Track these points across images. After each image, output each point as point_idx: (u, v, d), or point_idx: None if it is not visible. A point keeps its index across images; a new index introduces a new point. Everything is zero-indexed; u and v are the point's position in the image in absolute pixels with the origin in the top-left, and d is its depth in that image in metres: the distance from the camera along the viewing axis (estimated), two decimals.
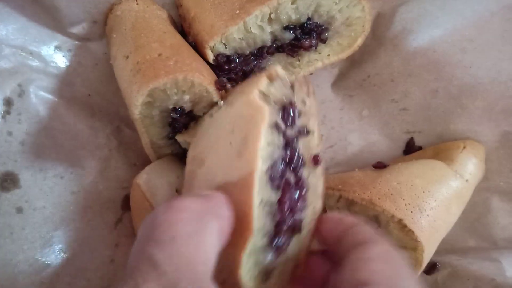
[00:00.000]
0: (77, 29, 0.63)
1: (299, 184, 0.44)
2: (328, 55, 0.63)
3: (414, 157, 0.68)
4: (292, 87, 0.47)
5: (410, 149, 0.70)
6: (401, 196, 0.55)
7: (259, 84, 0.43)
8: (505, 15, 0.59)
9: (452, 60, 0.64)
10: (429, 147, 0.69)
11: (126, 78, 0.53)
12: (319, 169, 0.45)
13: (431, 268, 0.66)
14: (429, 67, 0.65)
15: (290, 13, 0.58)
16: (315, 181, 0.45)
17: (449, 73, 0.64)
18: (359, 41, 0.64)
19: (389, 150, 0.71)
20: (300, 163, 0.45)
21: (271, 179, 0.41)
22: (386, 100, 0.70)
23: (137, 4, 0.61)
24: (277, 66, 0.45)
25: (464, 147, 0.64)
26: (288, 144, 0.44)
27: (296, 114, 0.45)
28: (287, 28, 0.59)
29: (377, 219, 0.55)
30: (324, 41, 0.62)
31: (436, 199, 0.57)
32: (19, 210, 0.59)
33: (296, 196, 0.44)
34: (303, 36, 0.61)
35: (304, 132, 0.45)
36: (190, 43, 0.59)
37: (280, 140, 0.43)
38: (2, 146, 0.58)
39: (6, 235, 0.59)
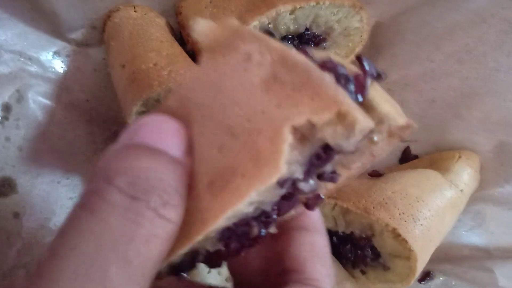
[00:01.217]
0: (76, 35, 0.63)
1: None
2: None
3: (409, 166, 0.68)
4: None
5: (406, 158, 0.71)
6: (395, 205, 0.56)
7: (316, 116, 0.26)
8: (502, 27, 0.59)
9: (449, 70, 0.64)
10: (425, 156, 0.70)
11: (122, 87, 0.53)
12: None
13: (425, 277, 0.67)
14: (426, 77, 0.65)
15: (289, 24, 0.58)
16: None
17: (446, 83, 0.65)
18: (357, 51, 0.64)
19: (385, 159, 0.71)
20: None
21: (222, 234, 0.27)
22: None
23: (135, 11, 0.61)
24: None
25: (460, 157, 0.65)
26: (289, 198, 0.28)
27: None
28: (285, 38, 0.60)
29: (372, 228, 0.56)
30: None
31: (430, 209, 0.57)
32: (16, 215, 0.59)
33: None
34: (301, 46, 0.61)
35: (335, 178, 0.28)
36: (188, 52, 0.60)
37: (278, 195, 0.28)
38: (0, 152, 0.59)
39: (3, 240, 0.59)
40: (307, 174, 0.26)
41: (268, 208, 0.27)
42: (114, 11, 0.61)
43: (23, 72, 0.61)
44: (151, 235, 0.23)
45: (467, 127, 0.66)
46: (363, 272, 0.59)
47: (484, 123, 0.65)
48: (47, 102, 0.62)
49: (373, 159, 0.28)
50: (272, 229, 0.29)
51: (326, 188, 0.29)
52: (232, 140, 0.25)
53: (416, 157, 0.71)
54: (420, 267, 0.54)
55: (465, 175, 0.63)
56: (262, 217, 0.28)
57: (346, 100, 0.23)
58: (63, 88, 0.63)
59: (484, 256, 0.67)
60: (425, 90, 0.66)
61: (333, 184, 0.29)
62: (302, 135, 0.24)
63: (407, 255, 0.53)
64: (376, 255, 0.56)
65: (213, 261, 0.29)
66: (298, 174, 0.26)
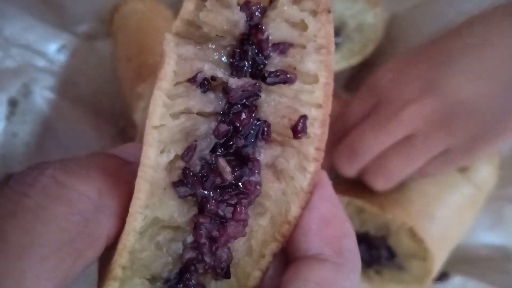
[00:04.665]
0: (83, 28, 0.62)
1: (243, 185, 0.27)
2: (338, 61, 0.62)
3: None
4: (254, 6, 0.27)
5: None
6: (412, 203, 0.54)
7: (182, 10, 0.27)
8: None
9: None
10: None
11: (128, 81, 0.52)
12: (307, 144, 0.28)
13: (442, 277, 0.65)
14: None
15: None
16: (293, 167, 0.28)
17: None
18: (370, 48, 0.62)
19: None
20: (254, 140, 0.27)
21: (180, 182, 0.26)
22: None
23: (143, 4, 0.60)
24: None
25: None
26: (233, 106, 0.27)
27: (267, 49, 0.27)
28: None
29: (387, 227, 0.54)
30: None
31: (448, 207, 0.56)
32: None
33: (231, 211, 0.27)
34: None
35: (282, 78, 0.27)
36: None
37: (212, 103, 0.27)
38: (7, 148, 0.58)
39: None
40: (233, 70, 0.27)
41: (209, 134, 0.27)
42: (122, 4, 0.61)
43: (30, 66, 0.60)
44: (39, 206, 0.23)
45: None
46: (378, 272, 0.57)
47: None
48: (54, 96, 0.61)
49: (326, 52, 0.27)
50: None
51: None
52: None
53: None
54: (436, 267, 0.53)
55: (483, 172, 0.61)
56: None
57: None
58: (70, 82, 0.63)
59: (502, 257, 0.65)
60: None
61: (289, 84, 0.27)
62: (190, 38, 0.27)
63: (424, 255, 0.52)
64: (392, 255, 0.55)
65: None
66: (220, 73, 0.27)
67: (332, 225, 0.27)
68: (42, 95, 0.60)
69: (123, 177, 0.26)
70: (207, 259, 0.27)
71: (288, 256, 0.28)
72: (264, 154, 0.28)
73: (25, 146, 0.59)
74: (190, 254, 0.27)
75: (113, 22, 0.61)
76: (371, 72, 0.68)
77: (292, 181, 0.28)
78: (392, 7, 0.65)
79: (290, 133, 0.27)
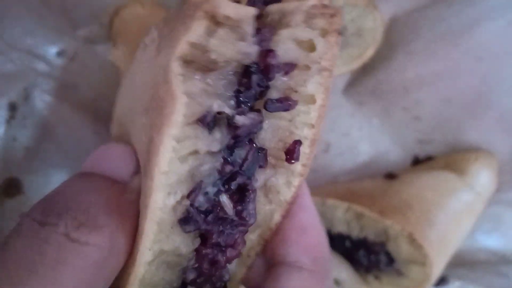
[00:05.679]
0: (83, 32, 0.62)
1: (242, 216, 0.27)
2: (338, 66, 0.62)
3: (424, 167, 0.67)
4: (271, 26, 0.26)
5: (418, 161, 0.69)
6: (411, 209, 0.54)
7: (190, 33, 0.24)
8: None
9: (466, 68, 0.62)
10: (440, 157, 0.68)
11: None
12: (298, 168, 0.28)
13: (441, 282, 0.65)
14: (442, 75, 0.64)
15: None
16: (281, 183, 0.29)
17: (463, 81, 0.63)
18: (370, 52, 0.62)
19: (400, 159, 0.70)
20: (253, 171, 0.27)
21: (185, 220, 0.26)
22: (397, 107, 0.69)
23: (143, 8, 0.60)
24: None
25: (477, 159, 0.63)
26: (238, 143, 0.27)
27: (273, 72, 0.26)
28: None
29: (386, 232, 0.54)
30: None
31: (447, 213, 0.56)
32: None
33: (231, 239, 0.28)
34: None
35: (283, 106, 0.26)
36: None
37: (218, 141, 0.26)
38: (6, 152, 0.58)
39: None
40: (238, 104, 0.26)
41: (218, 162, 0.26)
42: (121, 8, 0.60)
43: (30, 70, 0.60)
44: (57, 262, 0.23)
45: (484, 127, 0.64)
46: (377, 277, 0.57)
47: (502, 123, 0.63)
48: (54, 100, 0.61)
49: (328, 74, 0.27)
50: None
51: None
52: (147, 115, 0.26)
53: (430, 158, 0.69)
54: (435, 273, 0.53)
55: (482, 177, 0.62)
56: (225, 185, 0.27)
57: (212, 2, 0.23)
58: (70, 86, 0.62)
59: (500, 261, 0.65)
60: (441, 89, 0.65)
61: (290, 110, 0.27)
62: (195, 62, 0.24)
63: (423, 261, 0.52)
64: (391, 260, 0.55)
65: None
66: (227, 109, 0.25)
67: (309, 234, 0.30)
68: (42, 99, 0.60)
69: (126, 211, 0.27)
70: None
71: (268, 259, 0.31)
72: (259, 180, 0.29)
73: (25, 150, 0.59)
74: (192, 276, 0.28)
75: (113, 26, 0.61)
76: (370, 76, 0.69)
77: (278, 195, 0.29)
78: (391, 11, 0.64)
79: (283, 155, 0.28)
